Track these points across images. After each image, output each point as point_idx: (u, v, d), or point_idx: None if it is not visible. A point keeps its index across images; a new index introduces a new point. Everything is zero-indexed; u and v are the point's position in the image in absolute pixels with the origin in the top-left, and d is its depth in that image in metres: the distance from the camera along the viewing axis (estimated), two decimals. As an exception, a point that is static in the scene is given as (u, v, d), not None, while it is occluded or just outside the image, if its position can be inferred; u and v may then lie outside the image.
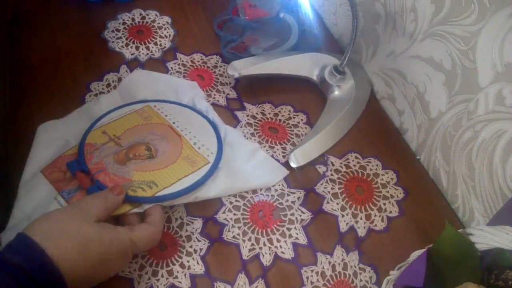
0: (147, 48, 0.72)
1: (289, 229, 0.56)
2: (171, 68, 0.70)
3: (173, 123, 0.61)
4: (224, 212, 0.56)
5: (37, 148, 0.56)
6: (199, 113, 0.63)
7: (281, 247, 0.55)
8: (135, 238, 0.45)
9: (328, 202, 0.59)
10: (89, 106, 0.62)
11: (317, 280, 0.53)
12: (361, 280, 0.53)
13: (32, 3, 0.76)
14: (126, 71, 0.69)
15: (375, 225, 0.58)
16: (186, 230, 0.54)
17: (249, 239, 0.54)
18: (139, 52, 0.72)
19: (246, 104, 0.68)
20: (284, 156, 0.63)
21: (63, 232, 0.40)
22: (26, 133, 0.58)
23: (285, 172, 0.61)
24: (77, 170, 0.54)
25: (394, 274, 0.42)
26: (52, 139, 0.57)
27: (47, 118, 0.59)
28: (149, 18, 0.77)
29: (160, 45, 0.73)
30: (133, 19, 0.76)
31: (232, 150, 0.60)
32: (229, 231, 0.55)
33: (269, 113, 0.68)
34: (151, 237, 0.47)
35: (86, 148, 0.56)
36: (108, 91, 0.65)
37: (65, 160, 0.55)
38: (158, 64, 0.71)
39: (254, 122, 0.66)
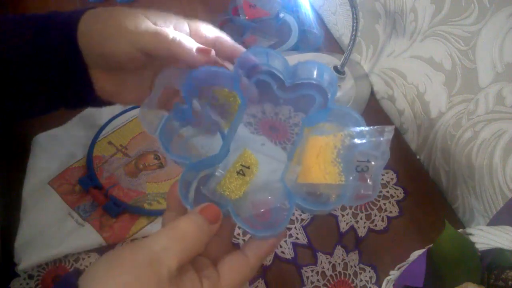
0: (147, 48, 0.72)
1: (289, 229, 0.56)
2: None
3: None
4: (224, 212, 0.56)
5: (39, 158, 0.56)
6: None
7: (281, 246, 0.55)
8: None
9: (328, 202, 0.59)
10: (88, 112, 0.62)
11: (317, 280, 0.53)
12: (361, 280, 0.53)
13: (33, 4, 0.76)
14: (126, 71, 0.69)
15: (375, 225, 0.58)
16: (186, 230, 0.54)
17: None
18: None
19: (246, 104, 0.68)
20: (284, 156, 0.63)
21: None
22: (26, 133, 0.58)
23: None
24: (90, 186, 0.54)
25: (394, 274, 0.42)
26: (55, 150, 0.57)
27: (48, 118, 0.59)
28: (149, 18, 0.77)
29: (160, 45, 0.73)
30: (133, 19, 0.76)
31: (239, 149, 0.60)
32: (229, 231, 0.55)
33: (270, 112, 0.68)
34: (246, 280, 0.33)
35: (95, 162, 0.56)
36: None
37: (73, 173, 0.55)
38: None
39: (255, 121, 0.66)
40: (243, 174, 0.36)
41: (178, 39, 0.38)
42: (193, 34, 0.41)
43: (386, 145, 0.33)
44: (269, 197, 0.35)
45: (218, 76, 0.39)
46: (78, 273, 0.30)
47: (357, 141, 0.34)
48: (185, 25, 0.41)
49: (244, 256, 0.33)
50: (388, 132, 0.33)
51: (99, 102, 0.43)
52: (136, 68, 0.41)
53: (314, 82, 0.41)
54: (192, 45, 0.38)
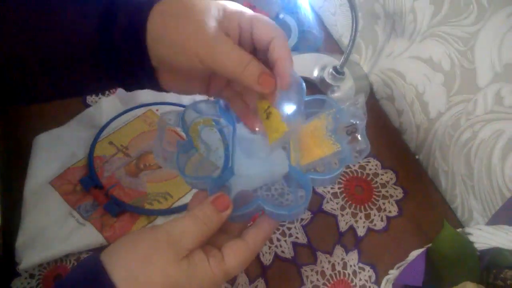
0: (147, 48, 0.72)
1: (289, 229, 0.56)
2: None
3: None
4: (224, 212, 0.56)
5: (40, 158, 0.56)
6: None
7: (281, 246, 0.55)
8: (230, 270, 0.36)
9: (327, 202, 0.59)
10: (89, 112, 0.62)
11: (317, 280, 0.53)
12: (360, 280, 0.54)
13: None
14: (127, 71, 0.69)
15: (375, 225, 0.58)
16: (187, 230, 0.54)
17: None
18: (140, 52, 0.72)
19: (246, 104, 0.68)
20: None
21: (147, 276, 0.33)
22: (27, 133, 0.58)
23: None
24: (91, 186, 0.54)
25: (393, 273, 0.42)
26: (56, 150, 0.57)
27: (48, 118, 0.60)
28: (149, 19, 0.77)
29: (160, 45, 0.73)
30: (133, 20, 0.76)
31: (240, 149, 0.60)
32: (229, 230, 0.55)
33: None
34: (246, 263, 0.37)
35: (96, 162, 0.56)
36: (109, 92, 0.65)
37: (74, 173, 0.55)
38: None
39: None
40: (270, 113, 0.40)
41: (242, 70, 0.36)
42: (255, 33, 0.38)
43: (362, 109, 0.40)
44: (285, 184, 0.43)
45: (204, 108, 0.45)
46: (98, 253, 0.34)
47: (338, 115, 0.41)
48: (247, 19, 0.38)
49: (244, 241, 0.37)
50: (360, 99, 0.41)
51: (159, 89, 0.43)
52: (202, 76, 0.42)
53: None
54: (254, 77, 0.36)
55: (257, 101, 0.41)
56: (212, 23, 0.36)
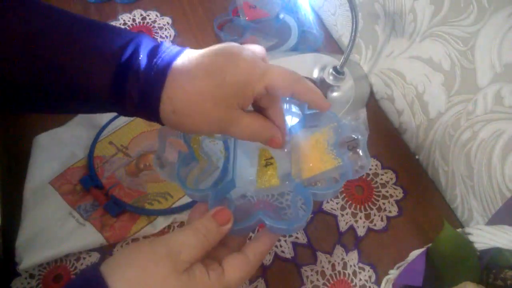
0: (148, 48, 0.73)
1: (289, 229, 0.56)
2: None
3: None
4: (224, 212, 0.56)
5: (40, 158, 0.56)
6: None
7: (281, 246, 0.55)
8: (230, 284, 0.36)
9: (327, 202, 0.59)
10: None
11: (317, 279, 0.53)
12: (360, 280, 0.54)
13: None
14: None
15: (375, 225, 0.58)
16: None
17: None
18: (140, 52, 0.72)
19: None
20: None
21: (145, 286, 0.33)
22: (27, 133, 0.58)
23: None
24: (91, 186, 0.54)
25: (393, 273, 0.42)
26: (56, 150, 0.57)
27: (48, 118, 0.60)
28: (150, 19, 0.77)
29: (160, 45, 0.73)
30: (133, 20, 0.76)
31: (241, 150, 0.61)
32: (229, 230, 0.55)
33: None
34: (247, 276, 0.37)
35: (96, 162, 0.56)
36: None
37: (73, 173, 0.56)
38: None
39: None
40: (271, 164, 0.42)
41: (253, 137, 0.40)
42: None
43: (364, 123, 0.40)
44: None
45: None
46: (98, 264, 0.34)
47: (339, 129, 0.41)
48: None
49: (244, 255, 0.37)
50: (362, 114, 0.41)
51: None
52: None
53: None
54: (263, 140, 0.40)
55: (261, 148, 0.43)
56: (228, 113, 0.37)
